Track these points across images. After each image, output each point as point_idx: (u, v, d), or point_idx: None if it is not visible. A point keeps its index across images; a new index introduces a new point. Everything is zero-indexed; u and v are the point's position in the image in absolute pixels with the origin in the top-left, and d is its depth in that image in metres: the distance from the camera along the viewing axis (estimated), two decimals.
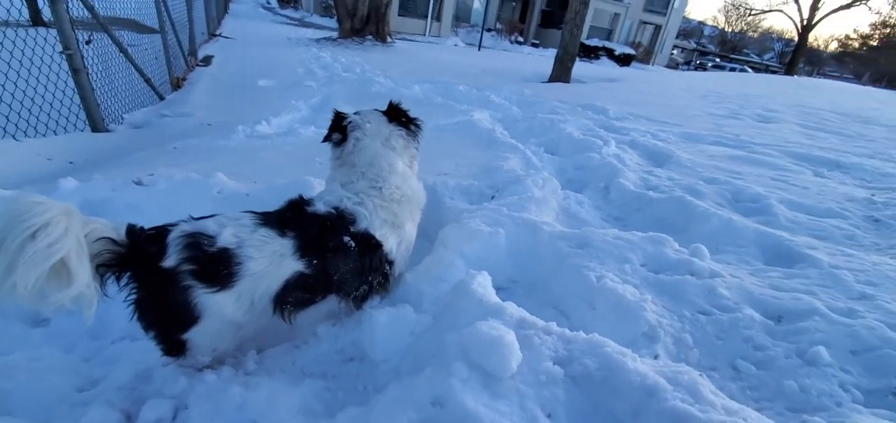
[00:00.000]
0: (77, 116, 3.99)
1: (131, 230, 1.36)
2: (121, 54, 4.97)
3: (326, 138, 2.04)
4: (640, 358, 1.44)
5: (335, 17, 16.90)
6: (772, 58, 60.69)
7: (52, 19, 3.67)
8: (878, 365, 1.65)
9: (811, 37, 40.09)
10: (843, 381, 1.60)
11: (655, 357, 1.66)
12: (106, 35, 4.66)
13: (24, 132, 3.47)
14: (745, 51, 61.86)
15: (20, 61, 3.55)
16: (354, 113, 2.04)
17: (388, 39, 15.62)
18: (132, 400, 1.48)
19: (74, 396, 1.53)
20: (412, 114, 2.16)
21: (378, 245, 1.76)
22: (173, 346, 1.49)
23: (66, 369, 1.65)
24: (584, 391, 1.35)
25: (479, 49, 21.03)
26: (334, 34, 15.57)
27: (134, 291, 1.38)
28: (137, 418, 1.40)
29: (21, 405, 1.46)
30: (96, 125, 4.09)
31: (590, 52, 25.64)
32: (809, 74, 50.22)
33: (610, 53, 26.19)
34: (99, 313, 2.12)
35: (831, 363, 1.65)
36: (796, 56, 38.54)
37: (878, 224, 3.14)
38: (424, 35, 25.74)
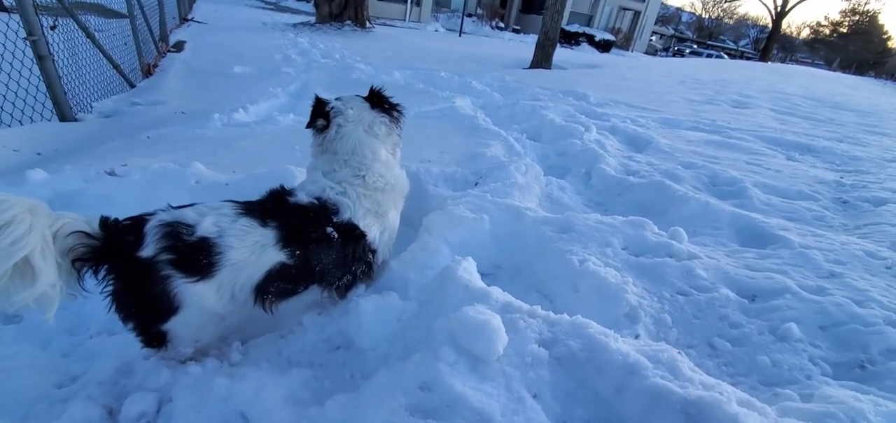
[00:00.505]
0: (43, 104, 3.83)
1: (105, 222, 1.33)
2: (88, 40, 4.77)
3: (310, 125, 2.00)
4: (622, 338, 1.48)
5: (312, 2, 16.55)
6: (747, 44, 61.94)
7: (14, 4, 3.49)
8: (846, 340, 1.73)
9: (784, 23, 41.17)
10: (813, 355, 1.68)
11: (636, 337, 1.71)
12: (71, 20, 4.46)
13: None
14: (722, 37, 62.96)
15: None
16: (336, 99, 2.01)
17: (368, 24, 15.37)
18: (114, 395, 1.45)
19: (53, 393, 1.49)
20: (395, 100, 2.13)
21: (362, 235, 1.75)
22: (153, 338, 1.47)
23: (42, 365, 1.61)
24: (568, 372, 1.38)
25: (459, 35, 20.88)
26: (312, 19, 15.25)
27: (111, 282, 1.35)
28: (120, 412, 1.37)
29: None
30: (64, 114, 3.94)
31: (570, 39, 25.72)
32: (783, 60, 51.47)
33: (590, 39, 26.32)
34: (75, 308, 2.07)
35: (802, 339, 1.73)
36: (770, 42, 39.52)
37: (847, 206, 3.27)
38: (404, 20, 25.40)
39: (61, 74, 3.92)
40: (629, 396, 1.29)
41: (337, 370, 1.62)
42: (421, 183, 2.89)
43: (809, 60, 57.39)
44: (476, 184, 2.99)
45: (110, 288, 1.36)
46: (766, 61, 30.63)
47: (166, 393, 1.42)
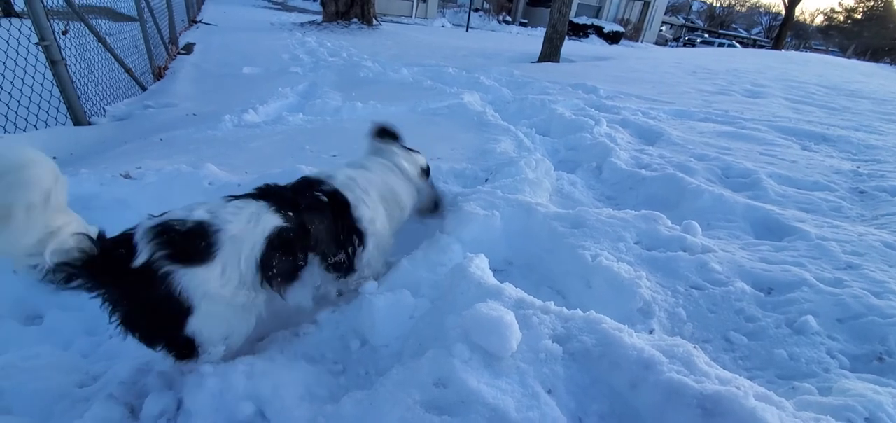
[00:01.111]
0: (57, 109, 3.89)
1: (101, 236, 1.28)
2: (99, 44, 4.84)
3: (376, 135, 2.27)
4: (637, 333, 1.48)
5: (319, 0, 16.58)
6: (759, 32, 60.90)
7: (25, 9, 3.55)
8: (864, 332, 1.70)
9: (798, 10, 40.16)
10: (831, 348, 1.65)
11: (651, 332, 1.70)
12: (82, 25, 4.53)
13: (3, 127, 3.37)
14: (734, 25, 61.99)
15: None
16: (404, 146, 2.30)
17: (374, 22, 15.38)
18: (134, 394, 1.47)
19: (75, 392, 1.52)
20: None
21: (346, 203, 1.78)
22: (184, 347, 1.42)
23: (64, 366, 1.64)
24: (582, 367, 1.38)
25: (466, 30, 20.82)
26: (318, 18, 15.30)
27: (116, 308, 1.31)
28: (141, 411, 1.39)
29: (20, 404, 1.45)
30: (78, 118, 4.00)
31: (579, 31, 25.50)
32: (797, 48, 50.58)
33: (599, 31, 26.05)
34: (93, 309, 2.11)
35: (819, 332, 1.71)
36: (783, 30, 38.66)
37: (864, 196, 3.21)
38: (411, 16, 25.38)
39: (74, 79, 3.98)
40: (644, 390, 1.28)
41: (352, 366, 1.63)
42: (431, 180, 2.89)
43: (824, 48, 56.33)
44: (486, 180, 2.99)
45: (118, 315, 1.32)
46: (780, 49, 30.07)
47: (182, 390, 1.44)
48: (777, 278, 2.00)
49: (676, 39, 45.83)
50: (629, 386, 1.31)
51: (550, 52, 10.88)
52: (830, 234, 2.44)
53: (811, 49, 53.11)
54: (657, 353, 1.35)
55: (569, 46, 13.38)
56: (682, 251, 2.19)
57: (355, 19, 14.79)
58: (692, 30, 52.44)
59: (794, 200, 3.02)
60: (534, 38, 16.29)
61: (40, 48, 3.61)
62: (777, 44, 36.24)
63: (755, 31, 62.07)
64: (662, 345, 1.42)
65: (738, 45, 39.53)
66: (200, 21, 12.74)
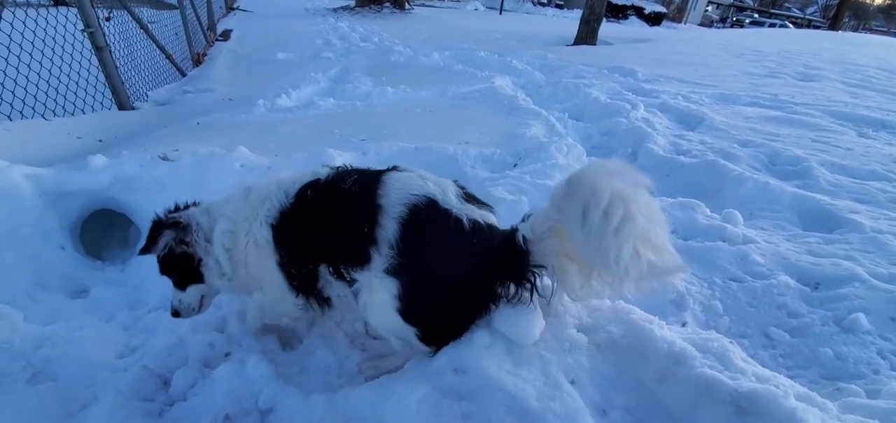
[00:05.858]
0: (103, 94, 4.07)
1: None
2: (142, 32, 5.03)
3: None
4: (668, 325, 1.42)
5: None
6: (815, 12, 56.74)
7: None
8: None
9: None
10: (882, 348, 1.54)
11: (683, 325, 1.62)
12: (126, 12, 4.71)
13: (53, 111, 3.55)
14: (787, 5, 58.14)
15: (43, 41, 3.61)
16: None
17: (407, 6, 15.33)
18: (167, 366, 1.54)
19: (115, 362, 1.61)
20: None
21: None
22: None
23: (106, 337, 1.74)
24: (608, 358, 1.34)
25: (500, 13, 20.43)
26: (351, 3, 15.38)
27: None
28: (172, 382, 1.45)
29: (65, 371, 1.54)
30: (122, 103, 4.17)
31: (617, 12, 24.51)
32: (855, 29, 47.00)
33: (639, 12, 24.95)
34: (134, 284, 2.22)
35: (870, 330, 1.59)
36: (841, 9, 35.98)
37: None
38: (443, 0, 25.12)
39: (118, 65, 4.15)
40: (674, 385, 1.23)
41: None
42: (458, 165, 2.86)
43: (885, 29, 52.09)
44: (515, 166, 2.93)
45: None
46: (837, 30, 28.04)
47: (212, 365, 1.49)
48: (825, 273, 1.87)
49: (723, 20, 43.41)
50: (658, 380, 1.26)
51: (587, 35, 10.52)
52: (887, 227, 2.26)
53: (871, 30, 49.21)
54: (689, 347, 1.29)
55: (607, 28, 12.90)
56: (720, 241, 2.08)
57: (388, 4, 14.78)
58: (741, 10, 49.45)
59: (847, 190, 2.81)
60: (570, 21, 15.80)
61: (86, 35, 3.77)
62: (834, 24, 33.85)
63: (810, 10, 57.89)
64: (695, 339, 1.36)
65: (790, 25, 37.06)
66: (237, 7, 13.06)
